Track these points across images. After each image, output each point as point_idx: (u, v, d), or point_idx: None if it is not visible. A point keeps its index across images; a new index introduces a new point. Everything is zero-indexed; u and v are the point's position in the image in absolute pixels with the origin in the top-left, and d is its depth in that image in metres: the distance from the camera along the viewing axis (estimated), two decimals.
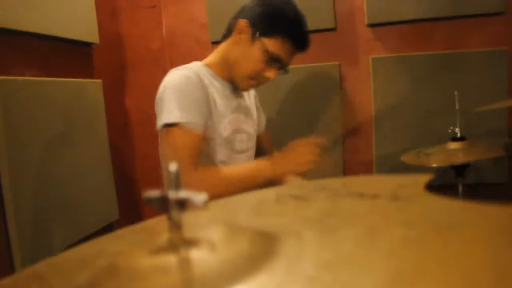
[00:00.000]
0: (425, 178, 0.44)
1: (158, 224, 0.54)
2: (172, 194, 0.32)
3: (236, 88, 1.40)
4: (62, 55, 1.70)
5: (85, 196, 1.74)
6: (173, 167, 0.33)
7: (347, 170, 2.03)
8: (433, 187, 0.45)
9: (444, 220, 0.32)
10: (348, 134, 2.02)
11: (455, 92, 1.54)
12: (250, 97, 1.52)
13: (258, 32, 1.28)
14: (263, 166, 1.27)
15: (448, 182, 1.73)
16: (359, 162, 2.03)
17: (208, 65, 1.37)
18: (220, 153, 1.31)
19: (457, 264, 0.24)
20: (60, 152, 1.60)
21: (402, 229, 0.31)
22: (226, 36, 1.39)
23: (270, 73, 1.32)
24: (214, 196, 1.11)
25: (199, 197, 0.32)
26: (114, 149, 1.94)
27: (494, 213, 0.32)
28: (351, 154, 2.03)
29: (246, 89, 1.41)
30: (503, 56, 1.79)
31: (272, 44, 1.28)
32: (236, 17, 1.34)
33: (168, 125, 1.18)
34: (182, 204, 0.32)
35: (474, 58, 1.82)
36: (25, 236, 1.41)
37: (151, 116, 2.15)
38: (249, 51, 1.29)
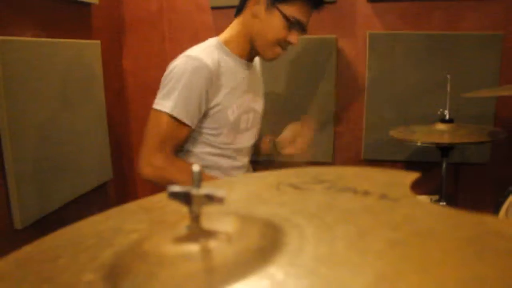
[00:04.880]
0: (411, 177, 0.50)
1: (160, 202, 0.59)
2: (195, 191, 0.37)
3: (250, 64, 1.43)
4: (61, 15, 1.69)
5: (81, 156, 1.78)
6: (196, 167, 0.38)
7: (337, 139, 2.10)
8: (416, 186, 0.51)
9: (425, 225, 0.38)
10: (340, 107, 2.07)
11: (448, 76, 1.58)
12: (258, 71, 1.54)
13: (274, 0, 1.29)
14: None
15: (433, 160, 1.82)
16: (349, 133, 2.09)
17: (224, 42, 1.36)
18: (224, 136, 1.35)
19: (432, 272, 0.30)
20: (58, 112, 1.63)
21: (388, 231, 0.37)
22: (239, 11, 1.38)
23: (293, 37, 1.34)
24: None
25: (219, 193, 0.37)
26: (110, 110, 1.97)
27: (470, 221, 0.38)
28: (342, 126, 2.09)
29: (272, 58, 1.41)
30: (497, 40, 1.83)
31: (290, 9, 1.30)
32: None
33: (158, 110, 1.26)
34: (203, 200, 0.37)
35: (469, 40, 1.86)
36: (24, 193, 1.46)
37: (148, 79, 2.18)
38: (269, 21, 1.30)
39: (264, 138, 1.61)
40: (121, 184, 2.19)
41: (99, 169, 1.93)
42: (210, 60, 1.27)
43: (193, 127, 1.29)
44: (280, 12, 1.29)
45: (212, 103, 1.30)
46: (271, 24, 1.31)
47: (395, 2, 1.92)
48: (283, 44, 1.36)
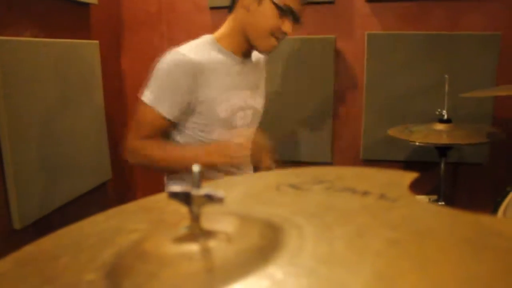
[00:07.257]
0: (409, 177, 0.50)
1: (160, 202, 0.59)
2: (195, 191, 0.37)
3: (246, 60, 1.42)
4: (59, 15, 1.70)
5: (80, 156, 1.78)
6: (196, 167, 0.38)
7: (335, 140, 2.10)
8: (415, 186, 0.51)
9: (423, 225, 0.38)
10: (338, 104, 2.07)
11: (446, 76, 1.59)
12: (260, 69, 1.53)
13: None
14: (198, 155, 1.31)
15: (431, 160, 1.82)
16: (348, 134, 2.10)
17: (217, 39, 1.37)
18: (217, 134, 1.35)
19: (430, 271, 0.30)
20: (57, 113, 1.63)
21: (387, 231, 0.37)
22: (232, 7, 1.37)
23: (286, 26, 1.32)
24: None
25: (218, 193, 0.37)
26: (108, 110, 1.97)
27: (468, 221, 0.38)
28: (340, 126, 2.10)
29: (269, 50, 1.38)
30: (495, 40, 1.84)
31: None
32: None
33: (141, 100, 1.32)
34: (203, 200, 0.37)
35: (467, 40, 1.87)
36: (22, 194, 1.46)
37: (146, 79, 2.17)
38: (261, 12, 1.29)
39: None
40: (121, 184, 2.19)
41: (98, 169, 1.93)
42: (197, 56, 1.27)
43: (174, 120, 1.31)
44: (271, 1, 1.27)
45: (199, 99, 1.30)
46: (263, 15, 1.29)
47: (393, 2, 1.93)
48: (278, 34, 1.34)
